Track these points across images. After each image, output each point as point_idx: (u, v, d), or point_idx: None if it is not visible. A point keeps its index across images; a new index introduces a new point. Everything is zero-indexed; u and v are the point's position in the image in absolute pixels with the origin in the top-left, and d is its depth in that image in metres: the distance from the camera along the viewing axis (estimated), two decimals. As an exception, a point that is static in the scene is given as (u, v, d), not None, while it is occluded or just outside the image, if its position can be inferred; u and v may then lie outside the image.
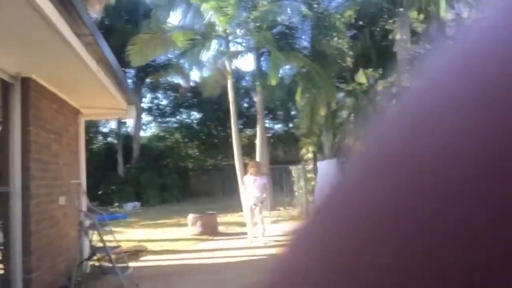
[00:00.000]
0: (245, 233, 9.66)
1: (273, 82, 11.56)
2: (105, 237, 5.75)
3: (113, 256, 5.64)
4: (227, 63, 12.20)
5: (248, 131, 24.91)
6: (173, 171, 21.62)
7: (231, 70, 12.46)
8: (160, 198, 19.52)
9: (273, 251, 7.32)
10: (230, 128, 24.64)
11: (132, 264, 5.89)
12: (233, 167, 24.22)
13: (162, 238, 9.34)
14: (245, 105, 24.42)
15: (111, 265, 5.48)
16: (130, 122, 22.26)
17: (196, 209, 12.88)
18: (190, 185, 23.45)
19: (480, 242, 0.13)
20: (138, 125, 20.75)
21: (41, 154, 4.85)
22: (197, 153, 25.06)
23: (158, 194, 19.66)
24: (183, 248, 8.08)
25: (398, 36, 12.24)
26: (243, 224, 11.19)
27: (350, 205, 0.17)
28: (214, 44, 12.63)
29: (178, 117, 24.46)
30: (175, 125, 24.41)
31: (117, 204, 17.51)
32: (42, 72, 4.51)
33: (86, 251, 6.27)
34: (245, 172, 14.41)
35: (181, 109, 24.17)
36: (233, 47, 12.81)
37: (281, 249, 0.19)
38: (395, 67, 13.57)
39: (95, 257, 5.81)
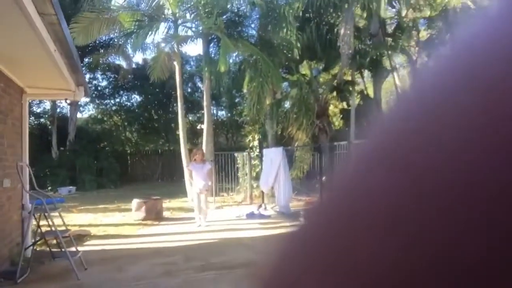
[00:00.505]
0: (190, 218, 9.76)
1: (223, 69, 11.61)
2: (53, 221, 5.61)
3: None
4: (175, 47, 12.03)
5: (190, 117, 24.72)
6: (111, 155, 20.99)
7: (179, 54, 12.32)
8: (97, 183, 18.92)
9: (219, 235, 7.50)
10: (171, 112, 24.42)
11: (72, 249, 5.76)
12: (173, 152, 24.07)
13: (105, 223, 9.18)
14: (188, 90, 24.15)
15: (59, 249, 5.37)
16: (65, 103, 21.18)
17: (135, 194, 12.71)
18: (128, 170, 22.92)
19: (480, 240, 0.13)
20: (75, 106, 19.80)
21: (-13, 134, 4.63)
22: (137, 137, 24.47)
23: (94, 178, 19.03)
24: (128, 233, 8.01)
25: (342, 31, 12.75)
26: (187, 210, 11.27)
27: (348, 202, 0.17)
28: (163, 27, 12.40)
29: (117, 99, 23.64)
30: (114, 107, 23.59)
31: (50, 188, 16.75)
32: (-8, 48, 4.29)
33: (29, 235, 6.06)
34: (189, 158, 14.47)
35: (121, 92, 23.38)
36: (181, 32, 12.64)
37: (277, 248, 0.19)
38: (338, 61, 14.16)
39: (39, 241, 5.65)
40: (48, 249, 5.71)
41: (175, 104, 23.70)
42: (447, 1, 13.01)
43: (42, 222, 5.47)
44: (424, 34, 17.70)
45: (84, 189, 17.81)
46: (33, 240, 5.71)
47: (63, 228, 5.62)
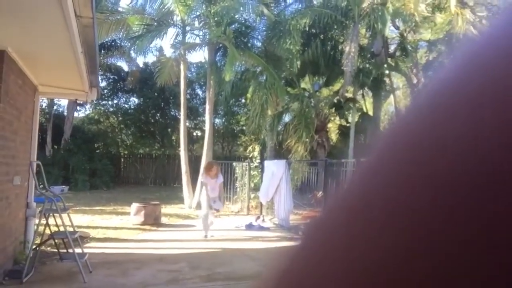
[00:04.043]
0: (189, 226, 9.75)
1: (228, 78, 11.71)
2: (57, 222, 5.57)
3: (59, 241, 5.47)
4: (182, 54, 12.10)
5: (187, 123, 24.67)
6: (105, 157, 20.84)
7: (186, 61, 12.39)
8: (89, 183, 18.74)
9: (221, 244, 7.48)
10: (169, 117, 24.38)
11: (77, 250, 5.71)
12: (168, 157, 24.00)
13: (104, 225, 9.10)
14: (187, 96, 24.15)
15: (65, 250, 5.33)
16: (64, 102, 21.06)
17: (129, 198, 12.61)
18: (121, 173, 22.77)
19: (483, 242, 0.13)
20: (73, 105, 19.68)
21: (5, 131, 4.61)
22: (132, 140, 24.35)
23: (87, 179, 18.86)
24: (128, 237, 7.96)
25: (347, 49, 12.92)
26: (184, 216, 11.24)
27: (360, 205, 0.17)
28: (171, 32, 12.48)
29: (115, 101, 23.55)
30: (112, 109, 23.48)
31: (41, 186, 16.55)
32: (18, 45, 4.29)
33: (31, 234, 6.00)
34: (191, 166, 14.45)
35: (120, 93, 23.31)
36: (189, 39, 12.72)
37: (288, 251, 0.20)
38: (341, 78, 14.33)
39: (47, 241, 5.60)
40: (53, 249, 5.66)
41: (173, 109, 23.74)
42: (450, 26, 13.26)
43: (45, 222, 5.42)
44: (423, 56, 18.02)
45: (76, 189, 17.63)
46: (38, 240, 5.66)
47: (71, 229, 5.57)
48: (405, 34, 16.62)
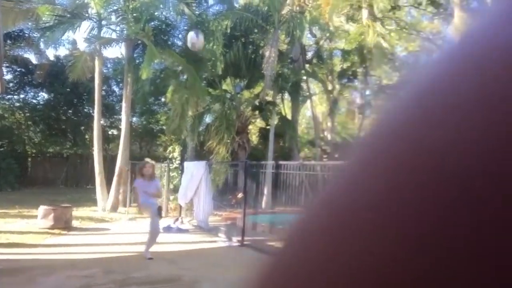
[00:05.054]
0: (102, 229, 9.35)
1: (145, 76, 11.41)
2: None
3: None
4: (97, 48, 11.55)
5: (102, 121, 23.54)
6: (9, 155, 19.18)
7: (101, 56, 11.84)
8: (-8, 184, 17.16)
9: (137, 248, 7.26)
10: (83, 114, 23.07)
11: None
12: (80, 157, 22.70)
13: (7, 230, 8.39)
14: (103, 93, 23.05)
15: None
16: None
17: (38, 200, 11.75)
18: (27, 173, 21.12)
19: (480, 242, 0.13)
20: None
21: None
22: (41, 138, 22.64)
23: (-11, 180, 17.25)
24: (34, 242, 7.42)
25: (267, 53, 13.24)
26: (97, 220, 10.75)
27: (347, 205, 0.17)
28: (85, 26, 11.84)
29: (22, 95, 21.73)
30: (18, 104, 21.63)
31: None
32: None
33: None
34: (106, 166, 13.82)
35: (27, 87, 21.55)
36: (105, 34, 12.18)
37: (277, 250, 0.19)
38: (261, 81, 14.65)
39: None
40: None
41: (87, 106, 22.48)
42: (362, 37, 14.18)
43: None
44: (338, 64, 19.04)
45: (-24, 190, 16.04)
46: None
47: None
48: (321, 42, 17.44)
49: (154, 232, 6.74)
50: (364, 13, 13.56)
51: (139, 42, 12.38)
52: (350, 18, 15.74)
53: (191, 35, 10.89)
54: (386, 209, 0.15)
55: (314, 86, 21.51)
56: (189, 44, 10.99)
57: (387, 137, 0.17)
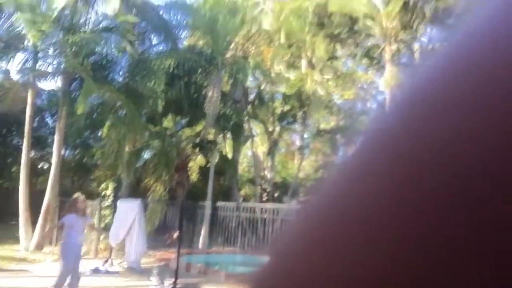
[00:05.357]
0: (23, 271, 8.69)
1: (80, 110, 11.12)
2: None
3: None
4: (31, 80, 11.11)
5: (33, 154, 22.26)
6: None
7: (35, 88, 11.39)
8: None
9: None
10: (10, 146, 21.69)
11: None
12: (8, 190, 21.10)
13: None
14: (35, 124, 21.95)
15: None
16: None
17: None
18: None
19: (478, 243, 0.13)
20: None
21: None
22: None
23: None
24: None
25: (210, 93, 13.44)
26: (19, 260, 9.98)
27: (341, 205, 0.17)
28: (20, 56, 11.40)
29: None
30: None
31: None
32: None
33: None
34: (32, 201, 12.95)
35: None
36: (41, 66, 11.78)
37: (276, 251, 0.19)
38: (203, 120, 14.73)
39: None
40: None
41: (16, 138, 21.24)
42: (302, 84, 14.85)
43: None
44: (279, 107, 19.64)
45: None
46: None
47: None
48: (263, 86, 18.00)
49: (61, 275, 6.14)
50: (304, 62, 14.27)
51: (77, 75, 12.09)
52: (291, 65, 16.45)
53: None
54: (385, 210, 0.15)
55: (256, 127, 21.95)
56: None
57: (385, 136, 0.17)
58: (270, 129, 19.10)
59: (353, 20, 14.66)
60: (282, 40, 14.79)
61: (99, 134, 18.58)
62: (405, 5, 12.62)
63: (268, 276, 0.19)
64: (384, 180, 0.15)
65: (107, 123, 13.12)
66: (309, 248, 0.17)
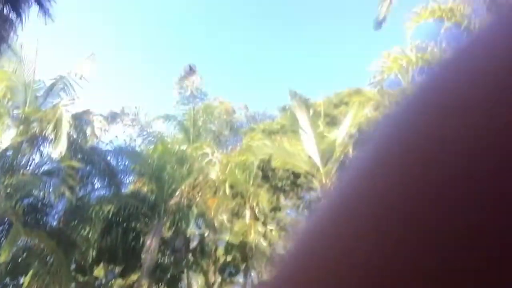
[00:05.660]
0: None
1: (3, 258, 10.18)
2: None
3: None
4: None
5: None
6: None
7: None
8: None
9: None
10: None
11: None
12: None
13: None
14: None
15: None
16: None
17: None
18: None
19: (480, 243, 0.13)
20: None
21: None
22: None
23: None
24: None
25: (148, 242, 12.87)
26: None
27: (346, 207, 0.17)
28: None
29: None
30: None
31: None
32: None
33: None
34: None
35: None
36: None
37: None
38: (138, 270, 13.81)
39: None
40: None
41: None
42: (245, 234, 14.70)
43: None
44: (221, 256, 18.99)
45: None
46: None
47: None
48: (205, 234, 17.66)
49: None
50: (247, 213, 14.40)
51: (6, 219, 11.33)
52: (235, 214, 16.48)
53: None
54: (394, 209, 0.15)
55: (197, 277, 20.75)
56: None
57: (391, 137, 0.17)
58: (211, 280, 18.10)
59: (296, 174, 15.42)
60: (227, 190, 15.06)
61: (21, 281, 16.77)
62: (341, 165, 13.58)
63: (281, 276, 0.20)
64: (393, 179, 0.15)
65: (31, 272, 11.93)
66: (320, 247, 0.17)
